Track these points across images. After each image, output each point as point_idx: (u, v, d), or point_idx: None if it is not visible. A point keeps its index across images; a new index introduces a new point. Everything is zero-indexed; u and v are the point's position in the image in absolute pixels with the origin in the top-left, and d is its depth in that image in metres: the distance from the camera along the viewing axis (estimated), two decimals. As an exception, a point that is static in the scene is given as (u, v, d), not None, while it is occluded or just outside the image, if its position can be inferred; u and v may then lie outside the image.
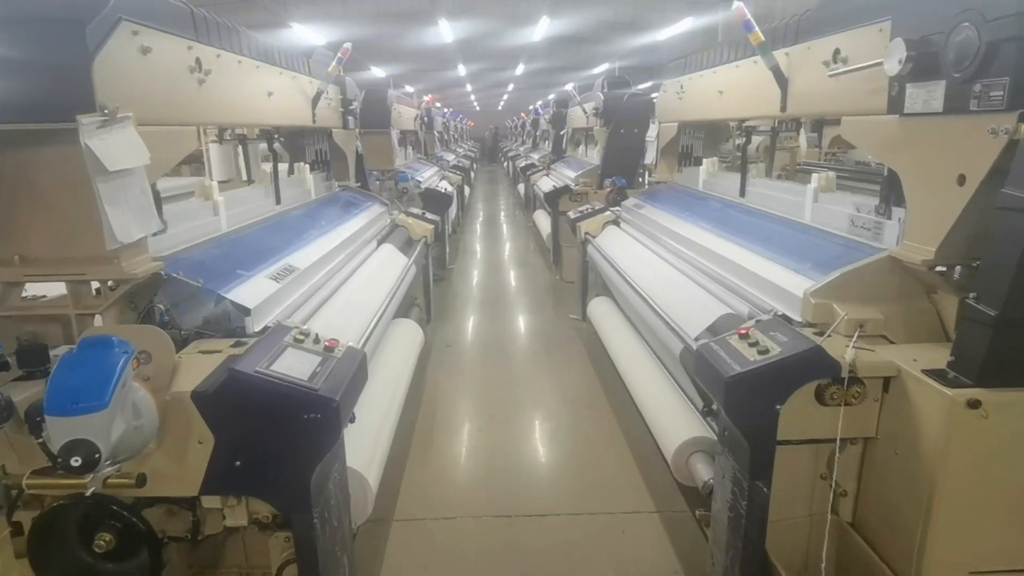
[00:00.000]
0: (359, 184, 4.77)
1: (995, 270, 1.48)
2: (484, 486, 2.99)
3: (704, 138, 4.26)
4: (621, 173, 5.92)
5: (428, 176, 7.65)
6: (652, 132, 5.37)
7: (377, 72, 17.68)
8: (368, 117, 6.37)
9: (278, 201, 3.28)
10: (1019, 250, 1.39)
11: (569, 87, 9.14)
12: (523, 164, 12.16)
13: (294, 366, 1.68)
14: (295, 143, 4.34)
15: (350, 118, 4.51)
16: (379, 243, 3.86)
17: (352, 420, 2.01)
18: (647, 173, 7.06)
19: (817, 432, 1.79)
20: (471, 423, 3.64)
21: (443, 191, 6.85)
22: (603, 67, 16.47)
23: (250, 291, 2.12)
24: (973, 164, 1.60)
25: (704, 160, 3.95)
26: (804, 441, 1.82)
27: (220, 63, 2.42)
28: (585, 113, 7.21)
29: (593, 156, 7.57)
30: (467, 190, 11.93)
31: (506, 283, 7.09)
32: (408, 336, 3.60)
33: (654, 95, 5.63)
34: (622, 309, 4.01)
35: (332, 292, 2.72)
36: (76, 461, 1.19)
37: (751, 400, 1.73)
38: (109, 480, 1.30)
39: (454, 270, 7.47)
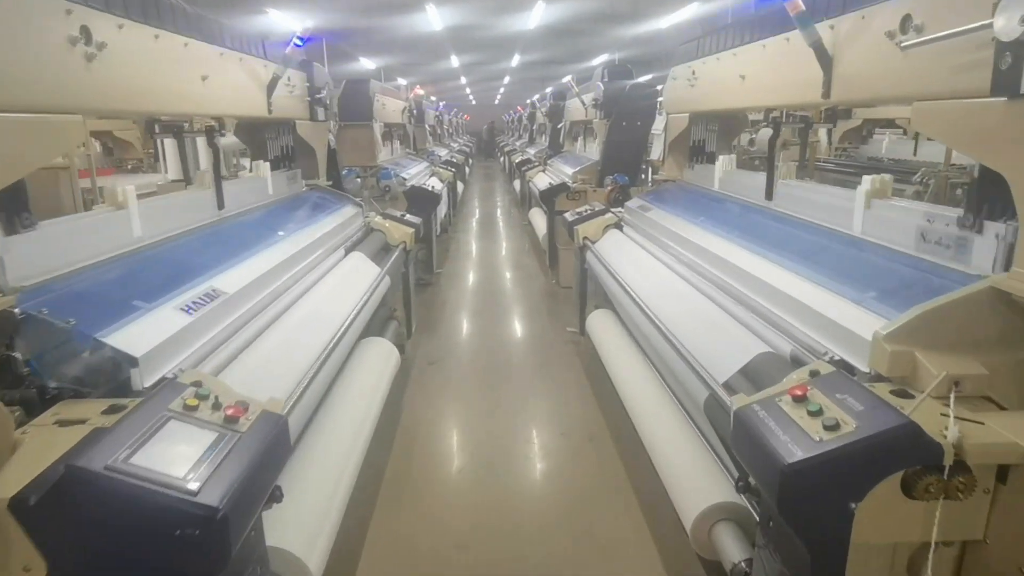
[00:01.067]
0: (331, 183, 4.26)
1: None
2: (464, 549, 2.49)
3: (719, 131, 3.75)
4: (623, 170, 5.43)
5: (415, 173, 7.14)
6: (658, 125, 4.87)
7: (367, 64, 17.06)
8: (348, 109, 5.88)
9: (220, 205, 2.76)
10: None
11: (567, 79, 8.64)
12: (519, 159, 11.65)
13: (170, 452, 1.18)
14: (255, 137, 3.84)
15: (320, 109, 4.01)
16: (347, 251, 3.36)
17: (279, 499, 1.53)
18: (650, 170, 6.58)
19: (900, 533, 1.32)
20: (452, 464, 3.14)
21: (430, 189, 6.33)
22: (602, 58, 15.89)
23: (145, 330, 1.62)
24: None
25: (720, 156, 3.45)
26: (881, 544, 1.35)
27: (123, 36, 1.92)
28: (584, 105, 6.72)
29: (592, 151, 7.06)
30: (460, 187, 11.40)
31: (498, 288, 6.58)
32: (378, 361, 3.09)
33: (659, 86, 5.15)
34: (625, 326, 3.51)
35: (273, 320, 2.21)
36: None
37: (817, 496, 1.24)
38: None
39: (442, 274, 6.95)
